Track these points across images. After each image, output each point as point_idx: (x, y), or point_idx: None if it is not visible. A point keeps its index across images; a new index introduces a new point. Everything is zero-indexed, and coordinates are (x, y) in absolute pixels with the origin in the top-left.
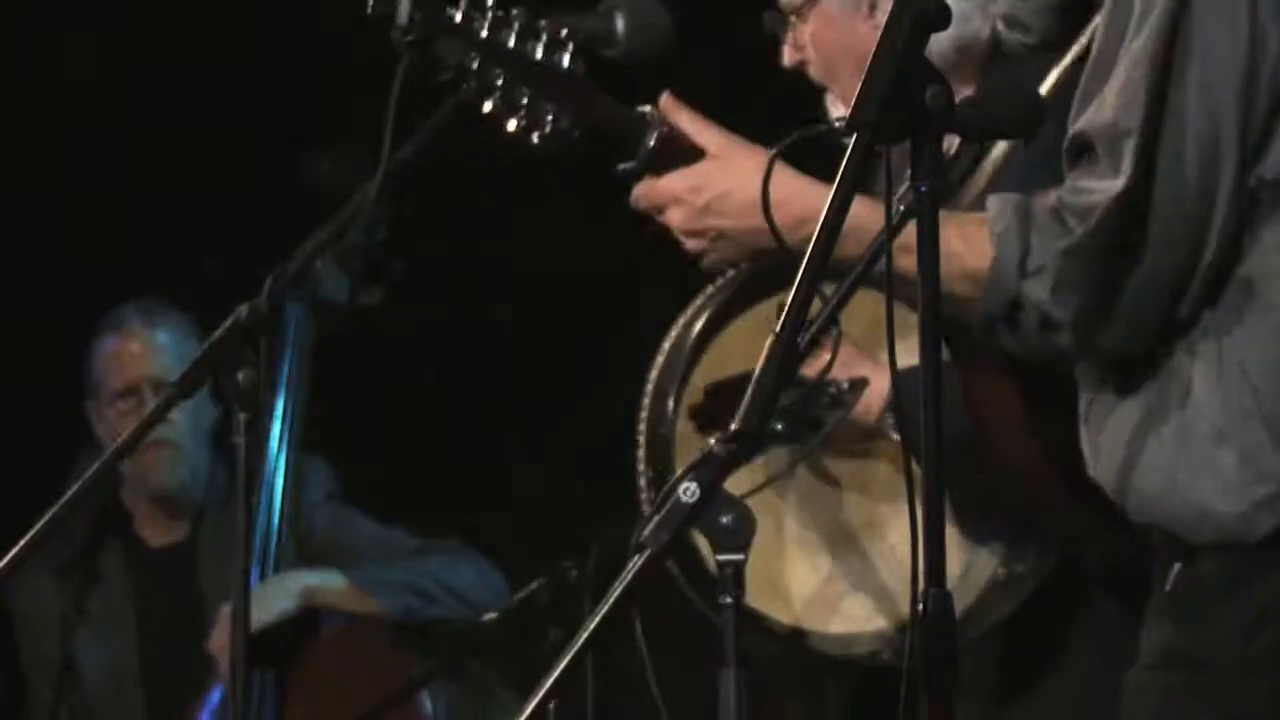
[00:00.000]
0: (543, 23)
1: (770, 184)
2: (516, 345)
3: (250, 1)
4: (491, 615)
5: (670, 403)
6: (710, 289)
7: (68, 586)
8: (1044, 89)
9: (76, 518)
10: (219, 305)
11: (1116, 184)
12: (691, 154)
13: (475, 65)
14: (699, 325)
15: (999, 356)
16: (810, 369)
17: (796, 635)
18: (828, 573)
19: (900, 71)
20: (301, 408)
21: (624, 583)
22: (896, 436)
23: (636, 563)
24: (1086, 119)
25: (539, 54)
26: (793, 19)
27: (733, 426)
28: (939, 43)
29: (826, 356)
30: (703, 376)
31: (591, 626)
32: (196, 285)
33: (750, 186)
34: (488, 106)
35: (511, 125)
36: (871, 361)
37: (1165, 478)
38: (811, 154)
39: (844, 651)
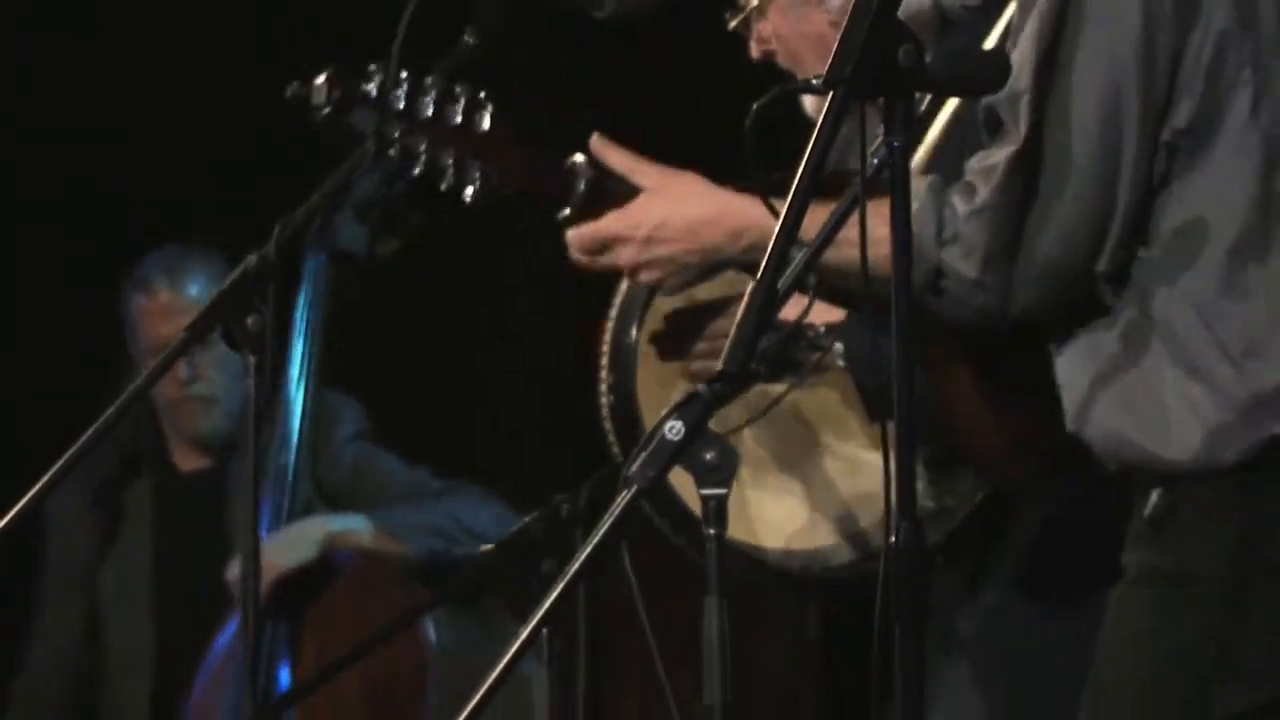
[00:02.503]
0: (459, 87)
1: (697, 204)
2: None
3: None
4: (488, 547)
5: (634, 329)
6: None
7: (98, 509)
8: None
9: (109, 447)
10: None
11: (1012, 146)
12: (625, 192)
13: (396, 134)
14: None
15: (952, 341)
16: (788, 313)
17: (758, 553)
18: (786, 497)
19: (875, 29)
20: (319, 351)
21: (613, 516)
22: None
23: (625, 497)
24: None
25: (459, 118)
26: (753, 16)
27: (718, 367)
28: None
29: (804, 301)
30: (665, 304)
31: (582, 557)
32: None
33: (686, 210)
34: (416, 170)
35: (443, 185)
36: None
37: (1139, 418)
38: (775, 135)
39: (792, 565)
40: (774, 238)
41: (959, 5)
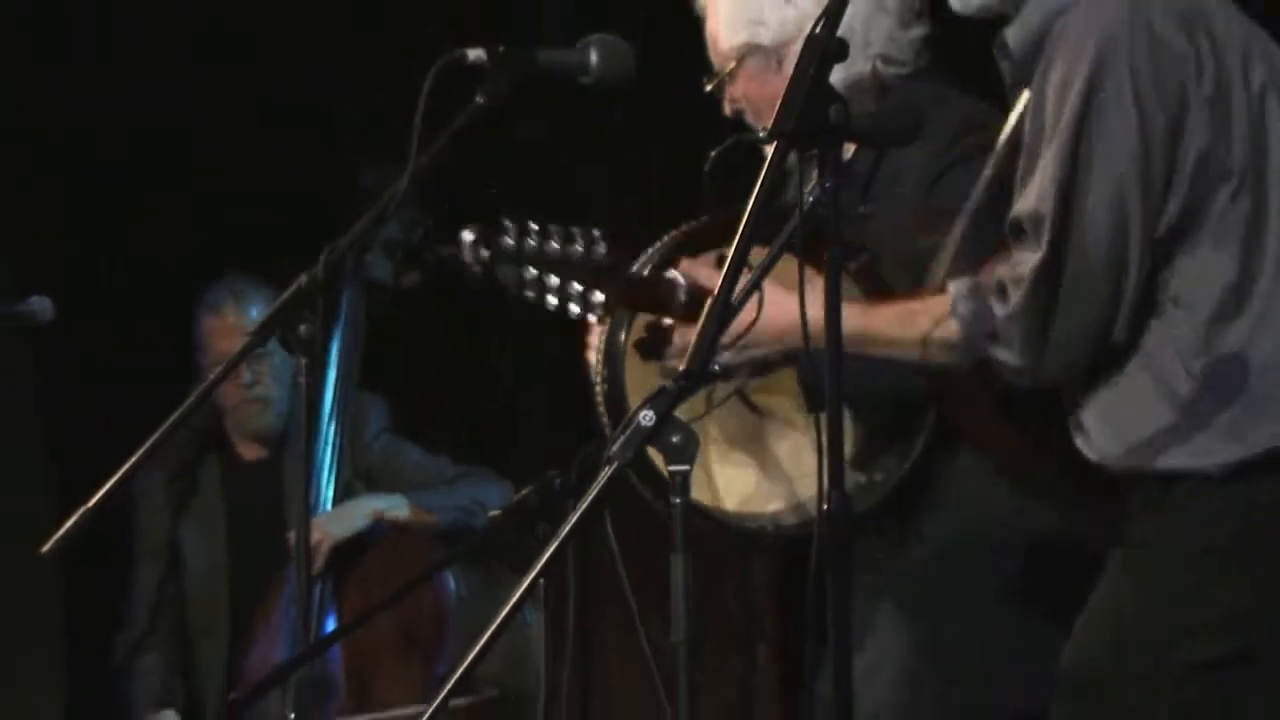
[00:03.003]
0: (574, 229)
1: (777, 314)
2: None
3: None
4: (494, 514)
5: (622, 335)
6: (649, 250)
7: (175, 488)
8: (985, 174)
9: (183, 436)
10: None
11: (1037, 256)
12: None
13: (531, 275)
14: (641, 274)
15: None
16: (740, 322)
17: (717, 514)
18: (740, 470)
19: (810, 92)
20: (353, 367)
21: (597, 487)
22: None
23: (607, 472)
24: (1018, 206)
25: (580, 252)
26: (726, 80)
27: (681, 368)
28: (834, 79)
29: (754, 312)
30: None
31: (572, 522)
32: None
33: (769, 322)
34: (551, 303)
35: (552, 303)
36: (782, 312)
37: (1139, 437)
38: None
39: (746, 525)
40: (727, 264)
41: (893, 73)
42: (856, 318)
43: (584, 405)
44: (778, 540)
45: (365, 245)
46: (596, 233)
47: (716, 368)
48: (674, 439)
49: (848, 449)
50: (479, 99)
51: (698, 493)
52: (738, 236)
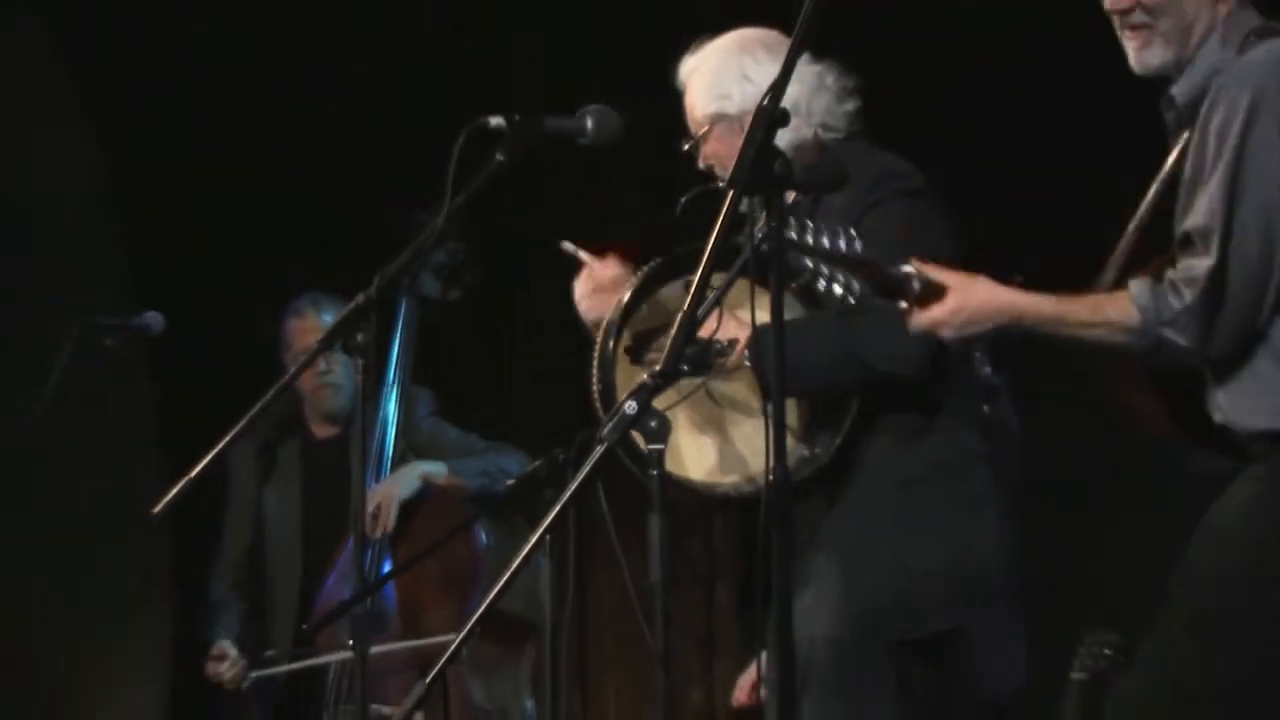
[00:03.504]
0: (838, 226)
1: (988, 296)
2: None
3: None
4: (512, 481)
5: (611, 343)
6: (636, 275)
7: (260, 461)
8: (1149, 198)
9: (268, 418)
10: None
11: (1208, 262)
12: (940, 290)
13: (808, 264)
14: (627, 297)
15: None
16: (704, 331)
17: (686, 484)
18: (704, 448)
19: (759, 152)
20: (409, 364)
21: (591, 462)
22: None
23: (598, 451)
24: (1189, 222)
25: (843, 245)
26: (700, 141)
27: (657, 368)
28: (782, 143)
29: (714, 324)
30: (633, 328)
31: (572, 489)
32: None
33: (988, 301)
34: (821, 285)
35: (821, 286)
36: (738, 325)
37: (1255, 405)
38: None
39: (709, 491)
40: (694, 284)
41: (831, 138)
42: (1054, 306)
43: (584, 397)
44: (735, 504)
45: (418, 268)
46: (853, 231)
47: (685, 367)
48: (651, 424)
49: (791, 430)
50: (499, 157)
51: (671, 466)
52: (701, 265)
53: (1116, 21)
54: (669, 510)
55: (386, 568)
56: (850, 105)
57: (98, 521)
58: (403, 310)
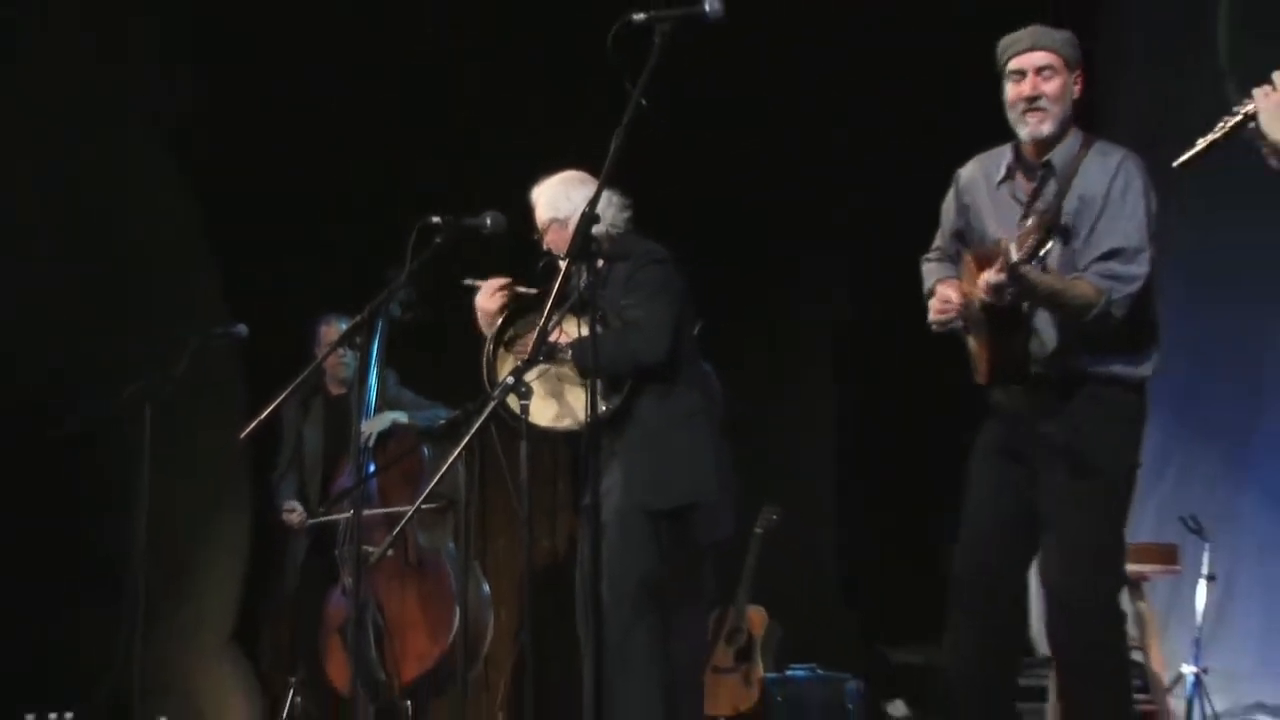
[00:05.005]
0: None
1: (1023, 268)
2: None
3: None
4: (442, 423)
5: (491, 347)
6: (504, 312)
7: (300, 409)
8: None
9: (305, 384)
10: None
11: (1145, 268)
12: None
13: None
14: (499, 325)
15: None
16: (551, 338)
17: (540, 427)
18: (550, 406)
19: (582, 236)
20: (384, 355)
21: (486, 411)
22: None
23: (490, 406)
24: (1117, 242)
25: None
26: (545, 234)
27: (524, 359)
28: (595, 231)
29: (557, 334)
30: (509, 333)
31: (475, 426)
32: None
33: (1028, 273)
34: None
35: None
36: (567, 335)
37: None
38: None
39: (553, 429)
40: (545, 315)
41: (616, 232)
42: (1053, 283)
43: (478, 376)
44: (567, 436)
45: (389, 302)
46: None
47: (540, 358)
48: (520, 389)
49: (600, 393)
50: (438, 240)
51: (532, 416)
52: (549, 304)
53: (1019, 105)
54: (531, 440)
55: (371, 468)
56: (627, 214)
57: (208, 453)
58: (380, 325)
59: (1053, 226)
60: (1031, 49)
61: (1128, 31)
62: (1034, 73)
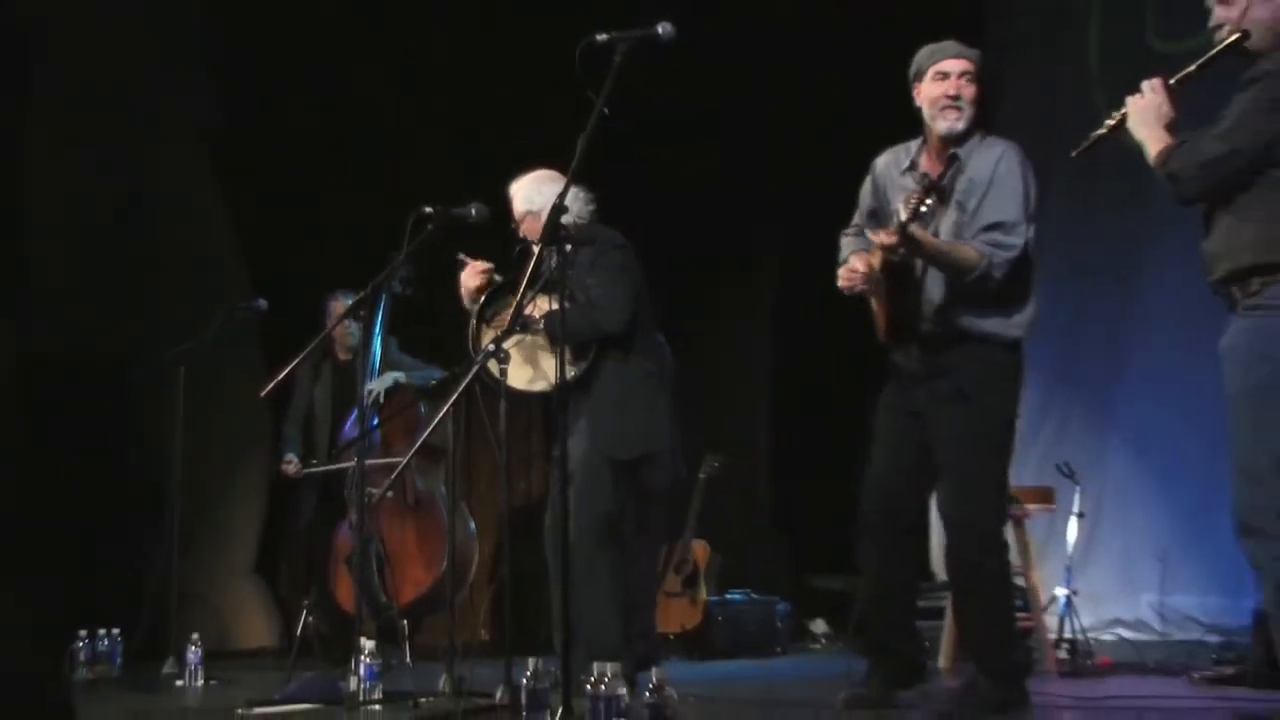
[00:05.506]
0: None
1: (911, 227)
2: None
3: None
4: (435, 382)
5: (474, 323)
6: (486, 290)
7: (312, 372)
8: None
9: (316, 350)
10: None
11: (1021, 241)
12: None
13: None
14: (481, 302)
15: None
16: (526, 311)
17: (517, 389)
18: (525, 370)
19: (552, 225)
20: (385, 324)
21: (470, 374)
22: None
23: (474, 369)
24: (998, 215)
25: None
26: (520, 224)
27: (503, 330)
28: (565, 220)
29: (534, 308)
30: (488, 311)
31: (462, 385)
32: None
33: (917, 233)
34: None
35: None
36: (540, 310)
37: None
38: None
39: (529, 390)
40: (520, 293)
41: (581, 222)
42: (939, 244)
43: (465, 344)
44: (541, 397)
45: (390, 278)
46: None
47: (516, 329)
48: (500, 355)
49: (568, 359)
50: (430, 227)
51: (509, 379)
52: (524, 283)
53: (941, 101)
54: (509, 399)
55: (375, 422)
56: (591, 206)
57: (234, 407)
58: (382, 300)
59: (930, 186)
60: (958, 56)
61: (1014, 17)
62: (958, 75)
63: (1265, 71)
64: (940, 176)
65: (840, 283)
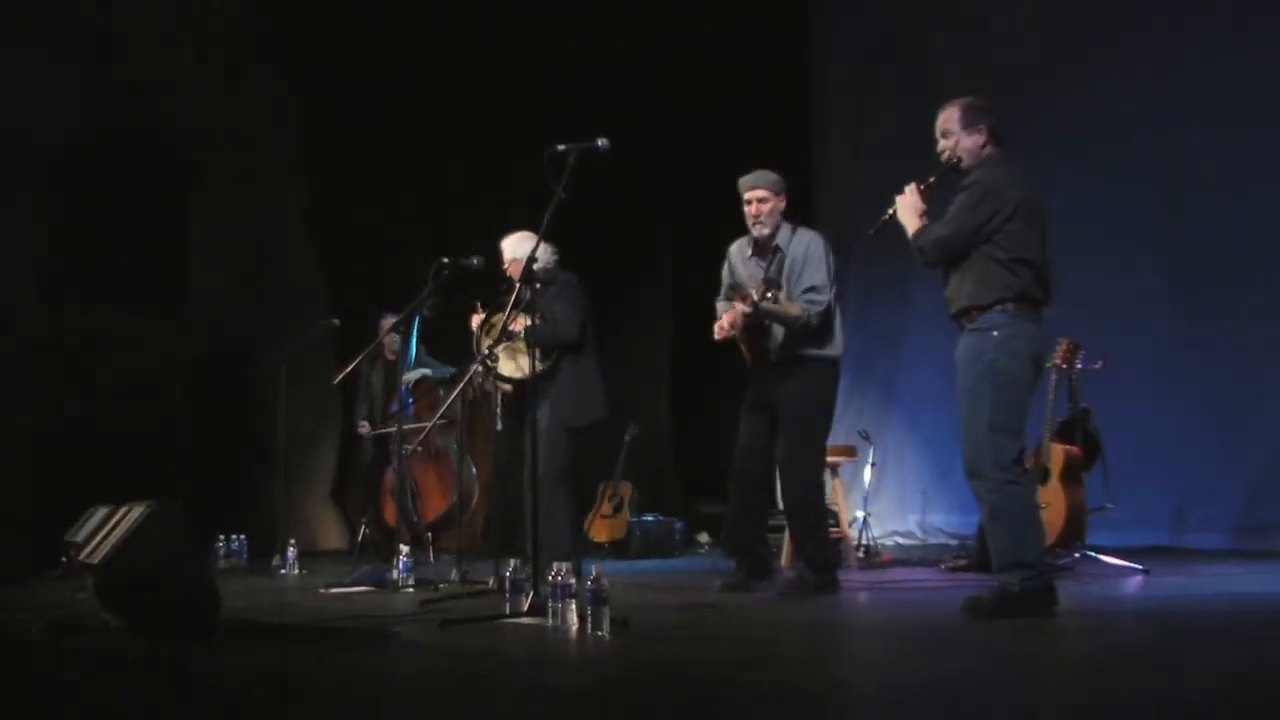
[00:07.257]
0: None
1: (761, 303)
2: None
3: None
4: (449, 374)
5: (477, 335)
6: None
7: (370, 366)
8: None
9: (371, 351)
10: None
11: (827, 298)
12: None
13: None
14: (481, 320)
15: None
16: (510, 327)
17: (507, 379)
18: (510, 364)
19: (528, 269)
20: (419, 336)
21: (474, 367)
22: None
23: (476, 364)
24: (811, 281)
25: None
26: (507, 268)
27: (494, 338)
28: (536, 267)
29: (516, 324)
30: (485, 327)
31: (467, 377)
32: (415, 297)
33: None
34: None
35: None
36: (520, 325)
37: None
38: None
39: (513, 379)
40: (504, 316)
41: (546, 269)
42: (775, 308)
43: (470, 347)
44: (521, 383)
45: (422, 303)
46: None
47: (505, 338)
48: (493, 356)
49: (538, 358)
50: (445, 271)
51: (501, 370)
52: (509, 307)
53: (750, 219)
54: (500, 389)
55: (410, 400)
56: (555, 256)
57: (316, 390)
58: (416, 319)
59: (769, 280)
60: (752, 187)
61: (834, 63)
62: (757, 201)
63: (973, 181)
64: (769, 264)
65: (717, 336)
